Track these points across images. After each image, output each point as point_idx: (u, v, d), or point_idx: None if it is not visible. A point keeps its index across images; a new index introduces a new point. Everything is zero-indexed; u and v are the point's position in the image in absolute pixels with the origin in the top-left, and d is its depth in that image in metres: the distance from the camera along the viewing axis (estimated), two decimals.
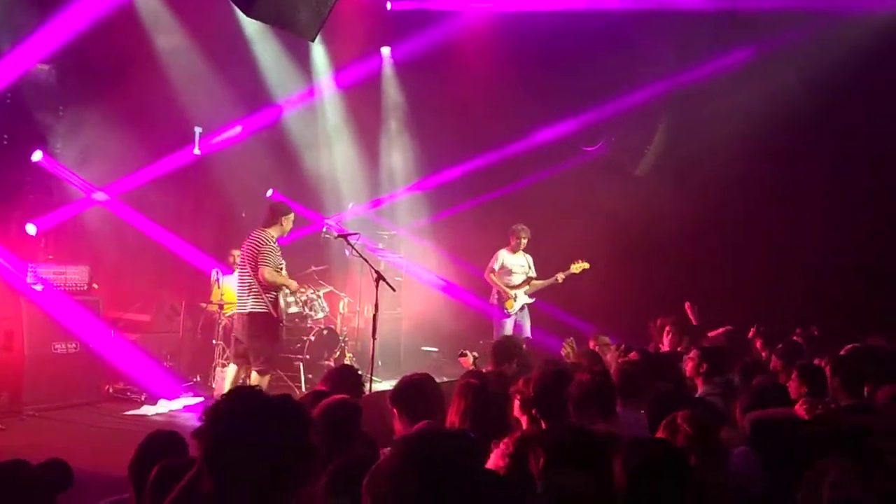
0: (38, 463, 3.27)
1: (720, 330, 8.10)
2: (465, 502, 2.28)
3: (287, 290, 8.46)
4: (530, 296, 10.50)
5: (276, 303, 8.08)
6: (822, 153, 10.16)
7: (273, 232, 8.14)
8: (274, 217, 8.23)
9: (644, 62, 10.55)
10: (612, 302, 10.68)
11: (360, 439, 3.75)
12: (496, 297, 10.48)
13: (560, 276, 10.36)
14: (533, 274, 10.54)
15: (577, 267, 10.35)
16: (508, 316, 10.32)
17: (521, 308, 10.46)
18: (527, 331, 10.32)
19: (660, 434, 3.71)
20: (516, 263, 10.47)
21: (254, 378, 7.98)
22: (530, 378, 4.68)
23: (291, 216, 8.35)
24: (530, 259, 10.60)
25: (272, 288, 8.03)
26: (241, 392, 2.41)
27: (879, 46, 9.28)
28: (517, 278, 10.45)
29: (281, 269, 8.15)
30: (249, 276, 8.04)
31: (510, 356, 6.41)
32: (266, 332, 8.05)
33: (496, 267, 10.47)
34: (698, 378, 5.86)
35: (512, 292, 10.37)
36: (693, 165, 10.49)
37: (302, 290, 9.78)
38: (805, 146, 10.17)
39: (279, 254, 8.15)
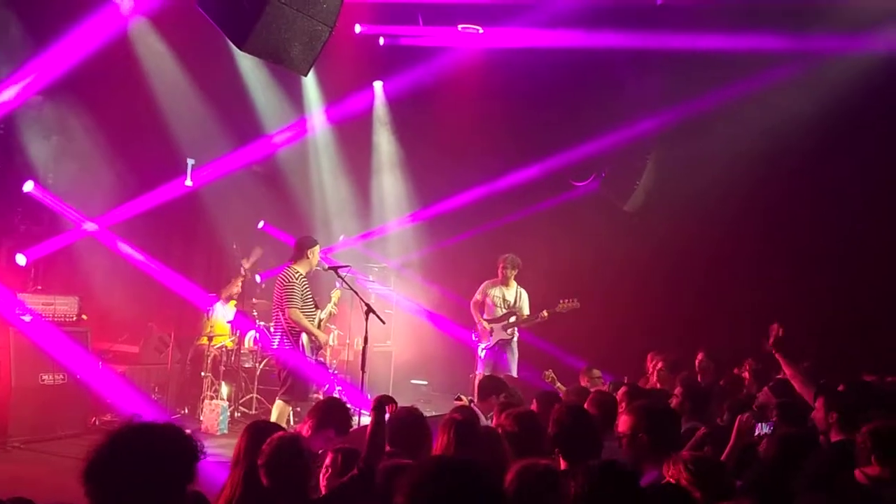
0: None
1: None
2: None
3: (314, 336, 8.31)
4: (512, 331, 10.04)
5: (298, 341, 8.11)
6: (811, 191, 10.21)
7: (300, 268, 8.18)
8: (300, 251, 8.27)
9: (633, 99, 10.65)
10: (606, 337, 10.57)
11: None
12: (477, 330, 10.26)
13: (545, 314, 9.95)
14: (523, 311, 10.08)
15: (565, 307, 9.92)
16: (486, 350, 10.04)
17: (499, 343, 10.01)
18: (511, 368, 9.89)
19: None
20: (498, 296, 10.11)
21: (276, 405, 8.09)
22: (511, 413, 4.73)
23: (317, 248, 8.41)
24: (523, 294, 10.18)
25: (297, 327, 8.07)
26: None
27: (865, 86, 9.39)
28: (499, 312, 10.10)
29: (309, 303, 8.21)
30: (277, 313, 8.17)
31: (497, 391, 6.40)
32: (289, 367, 8.11)
33: (477, 298, 10.25)
34: (683, 415, 5.86)
35: (488, 326, 10.07)
36: (684, 201, 10.54)
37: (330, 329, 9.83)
38: (794, 184, 10.23)
39: (307, 289, 8.21)
